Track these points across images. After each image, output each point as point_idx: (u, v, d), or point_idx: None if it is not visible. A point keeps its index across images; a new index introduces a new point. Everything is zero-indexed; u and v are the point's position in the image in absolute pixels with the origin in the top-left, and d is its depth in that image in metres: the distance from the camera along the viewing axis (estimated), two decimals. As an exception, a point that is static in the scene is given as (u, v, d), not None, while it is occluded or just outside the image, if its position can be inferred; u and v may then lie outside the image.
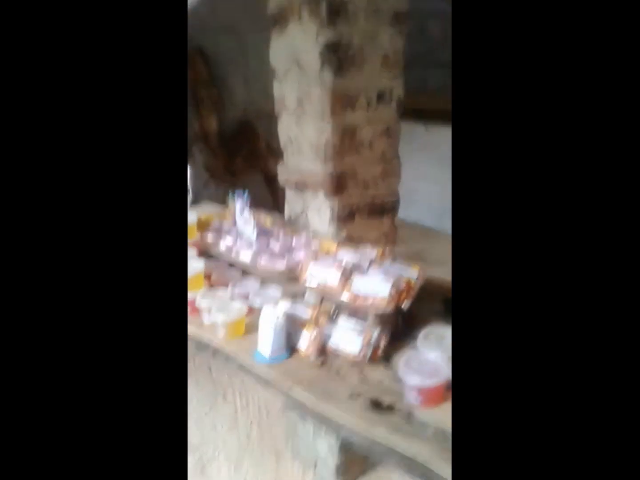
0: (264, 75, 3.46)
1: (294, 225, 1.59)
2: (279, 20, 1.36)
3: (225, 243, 1.45)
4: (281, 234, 1.45)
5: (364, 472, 1.34)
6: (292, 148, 1.52)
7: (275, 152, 3.39)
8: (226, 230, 1.51)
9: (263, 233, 1.45)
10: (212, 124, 3.20)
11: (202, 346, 1.22)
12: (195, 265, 1.29)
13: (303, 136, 1.43)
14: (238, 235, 1.48)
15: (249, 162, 3.49)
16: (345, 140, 1.39)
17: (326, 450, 1.26)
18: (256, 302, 1.21)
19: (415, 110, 2.94)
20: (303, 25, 1.28)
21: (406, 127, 3.06)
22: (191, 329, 1.22)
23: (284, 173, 1.59)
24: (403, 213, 1.82)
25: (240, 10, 3.32)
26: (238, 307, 1.17)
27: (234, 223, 1.52)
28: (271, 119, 3.61)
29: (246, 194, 1.42)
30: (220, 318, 1.15)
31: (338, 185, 1.43)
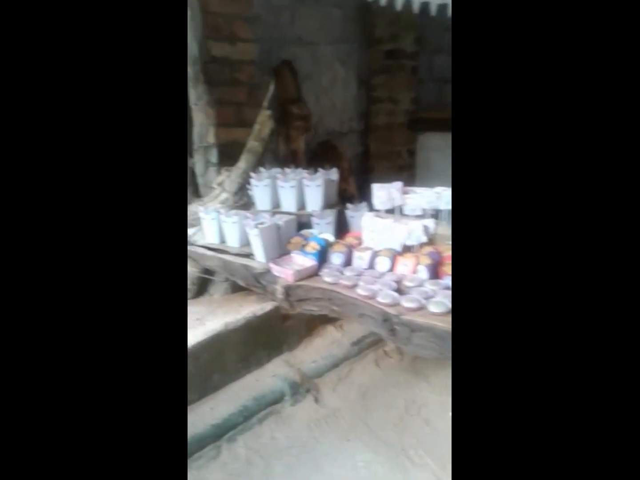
0: (333, 91, 3.31)
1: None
2: None
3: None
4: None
5: None
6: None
7: (354, 172, 3.23)
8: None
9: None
10: (301, 143, 2.90)
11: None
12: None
13: None
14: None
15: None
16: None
17: None
18: None
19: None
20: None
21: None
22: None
23: None
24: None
25: (315, 20, 3.09)
26: None
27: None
28: (344, 137, 3.44)
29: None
30: None
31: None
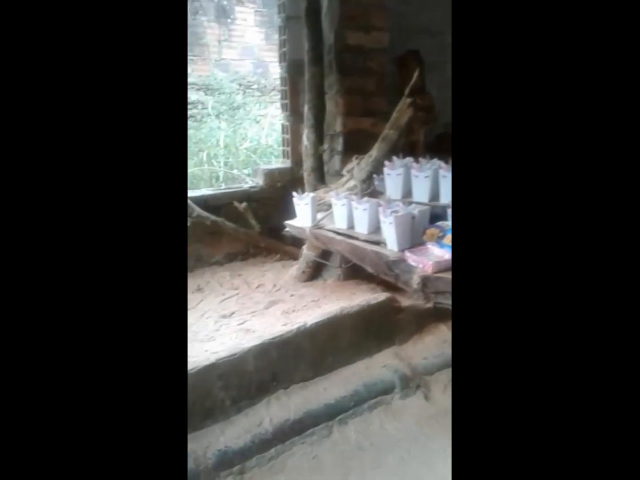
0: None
1: None
2: None
3: None
4: None
5: None
6: None
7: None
8: None
9: None
10: (421, 134, 2.85)
11: None
12: None
13: None
14: None
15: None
16: None
17: None
18: None
19: None
20: None
21: None
22: None
23: None
24: None
25: (443, 9, 2.99)
26: None
27: None
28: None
29: None
30: None
31: None
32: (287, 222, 1.96)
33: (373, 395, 1.89)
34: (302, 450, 1.68)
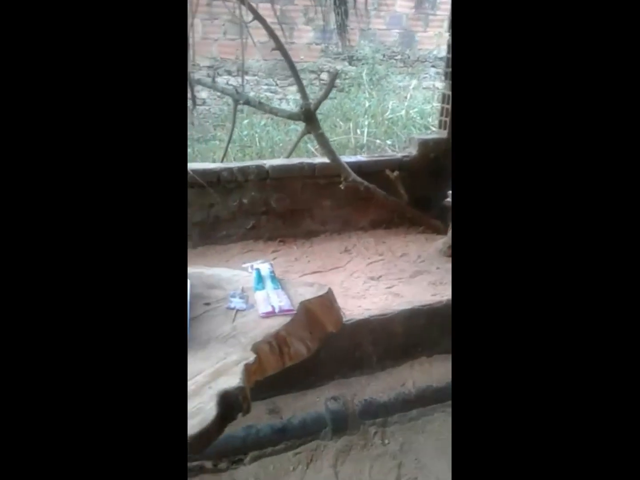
0: None
1: None
2: None
3: None
4: None
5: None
6: None
7: None
8: None
9: None
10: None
11: None
12: None
13: None
14: None
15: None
16: None
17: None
18: None
19: None
20: None
21: None
22: None
23: None
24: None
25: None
26: None
27: None
28: None
29: None
30: None
31: None
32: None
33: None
34: (443, 418, 1.69)
